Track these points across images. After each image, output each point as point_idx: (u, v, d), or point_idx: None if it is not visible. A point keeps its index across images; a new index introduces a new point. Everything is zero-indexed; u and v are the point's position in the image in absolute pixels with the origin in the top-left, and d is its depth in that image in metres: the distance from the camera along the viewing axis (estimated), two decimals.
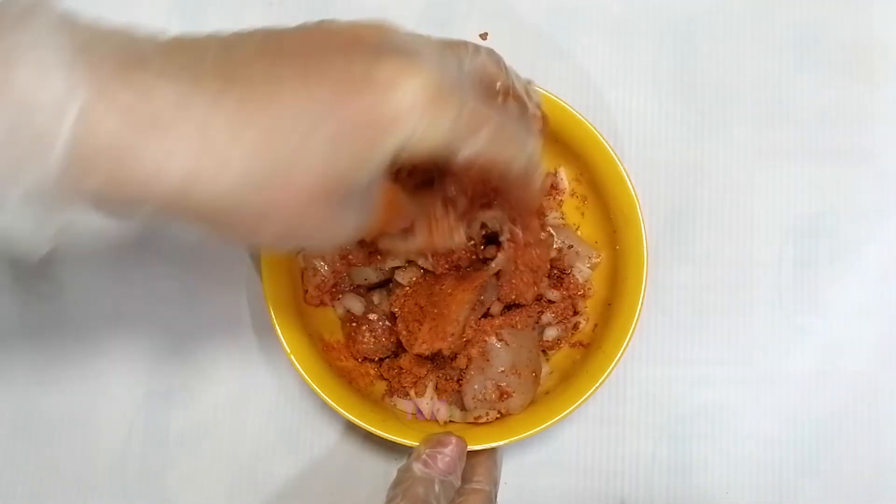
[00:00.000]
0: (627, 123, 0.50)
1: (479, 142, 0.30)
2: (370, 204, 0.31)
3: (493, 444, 0.41)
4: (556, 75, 0.50)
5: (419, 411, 0.44)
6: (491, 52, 0.35)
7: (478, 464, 0.42)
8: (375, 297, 0.46)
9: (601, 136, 0.43)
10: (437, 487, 0.39)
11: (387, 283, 0.46)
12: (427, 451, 0.40)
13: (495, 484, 0.42)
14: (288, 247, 0.32)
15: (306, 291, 0.45)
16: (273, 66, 0.28)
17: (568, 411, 0.41)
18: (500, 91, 0.35)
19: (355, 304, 0.45)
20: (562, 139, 0.45)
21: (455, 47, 0.33)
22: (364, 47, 0.28)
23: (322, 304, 0.46)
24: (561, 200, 0.47)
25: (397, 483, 0.39)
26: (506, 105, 0.35)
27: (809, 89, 0.50)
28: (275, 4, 0.51)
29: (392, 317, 0.44)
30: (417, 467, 0.39)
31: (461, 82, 0.30)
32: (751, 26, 0.51)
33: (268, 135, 0.26)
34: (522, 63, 0.50)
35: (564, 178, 0.47)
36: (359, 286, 0.46)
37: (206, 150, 0.26)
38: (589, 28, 0.51)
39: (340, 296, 0.46)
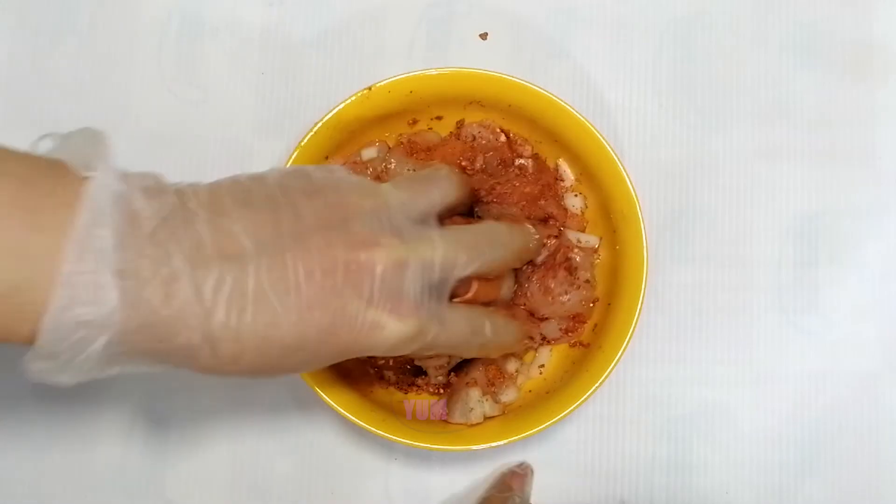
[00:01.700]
0: (627, 123, 0.50)
1: (439, 348, 0.36)
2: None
3: (493, 444, 0.41)
4: (556, 75, 0.50)
5: (419, 411, 0.44)
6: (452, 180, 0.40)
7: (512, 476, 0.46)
8: None
9: (601, 135, 0.43)
10: None
11: None
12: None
13: (527, 495, 0.45)
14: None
15: None
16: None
17: (568, 411, 0.41)
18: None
19: None
20: (562, 139, 0.45)
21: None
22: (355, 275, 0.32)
23: None
24: (566, 190, 0.47)
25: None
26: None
27: (809, 89, 0.50)
28: (275, 5, 0.51)
29: None
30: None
31: (435, 309, 0.35)
32: (751, 26, 0.51)
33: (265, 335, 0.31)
34: (522, 63, 0.50)
35: (567, 169, 0.46)
36: None
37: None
38: (589, 28, 0.51)
39: None
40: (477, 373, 0.44)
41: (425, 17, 0.51)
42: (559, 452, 0.48)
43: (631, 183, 0.43)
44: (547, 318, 0.45)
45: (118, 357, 0.29)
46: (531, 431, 0.41)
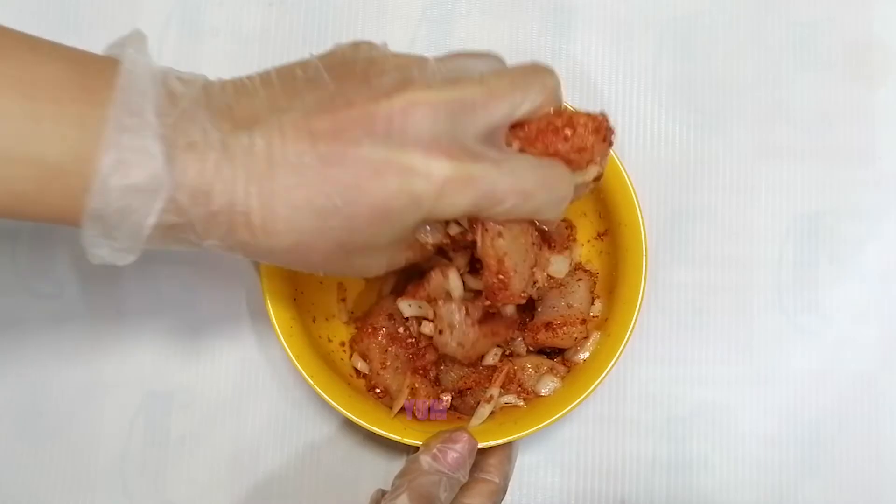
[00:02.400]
0: (627, 123, 0.50)
1: (503, 209, 0.33)
2: (398, 250, 0.35)
3: (493, 443, 0.41)
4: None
5: (418, 411, 0.44)
6: (543, 75, 0.35)
7: (490, 455, 0.42)
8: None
9: None
10: (443, 482, 0.39)
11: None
12: (438, 445, 0.40)
13: (506, 478, 0.42)
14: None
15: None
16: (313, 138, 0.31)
17: (567, 410, 0.41)
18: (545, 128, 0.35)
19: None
20: None
21: (510, 83, 0.33)
22: (385, 123, 0.31)
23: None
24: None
25: (404, 473, 0.39)
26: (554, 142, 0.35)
27: (809, 89, 0.50)
28: (275, 4, 0.51)
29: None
30: (426, 460, 0.39)
31: (485, 152, 0.32)
32: (751, 26, 0.51)
33: (303, 206, 0.31)
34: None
35: None
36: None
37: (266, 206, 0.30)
38: (589, 28, 0.51)
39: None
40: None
41: (425, 17, 0.51)
42: (559, 452, 0.48)
43: (631, 183, 0.43)
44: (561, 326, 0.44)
45: (167, 229, 0.30)
46: (531, 430, 0.41)
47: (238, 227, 0.31)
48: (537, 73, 0.34)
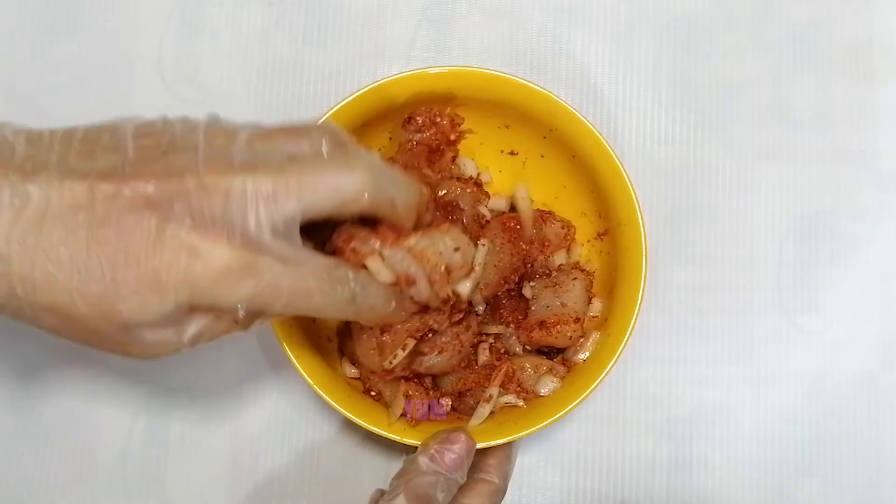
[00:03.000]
0: (627, 123, 0.50)
1: (280, 306, 0.32)
2: (173, 335, 0.32)
3: (493, 443, 0.41)
4: (556, 75, 0.50)
5: (418, 412, 0.44)
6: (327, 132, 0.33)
7: (490, 455, 0.42)
8: None
9: (601, 135, 0.43)
10: (440, 483, 0.38)
11: None
12: (435, 446, 0.40)
13: (505, 478, 0.42)
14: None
15: None
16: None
17: (567, 410, 0.41)
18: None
19: None
20: (562, 139, 0.45)
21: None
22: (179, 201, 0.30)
23: None
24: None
25: (401, 474, 0.39)
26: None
27: (809, 89, 0.50)
28: (275, 4, 0.51)
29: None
30: (423, 461, 0.39)
31: (273, 245, 0.31)
32: (751, 26, 0.51)
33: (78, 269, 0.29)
34: (522, 63, 0.50)
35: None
36: None
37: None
38: (589, 28, 0.51)
39: None
40: None
41: (425, 17, 0.51)
42: (559, 452, 0.48)
43: (631, 183, 0.43)
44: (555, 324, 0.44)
45: None
46: (531, 430, 0.41)
47: None
48: (349, 166, 0.32)
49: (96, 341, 0.31)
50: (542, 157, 0.47)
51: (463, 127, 0.45)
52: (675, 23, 0.51)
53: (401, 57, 0.50)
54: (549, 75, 0.50)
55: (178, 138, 0.31)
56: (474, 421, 0.42)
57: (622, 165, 0.43)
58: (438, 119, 0.44)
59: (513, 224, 0.45)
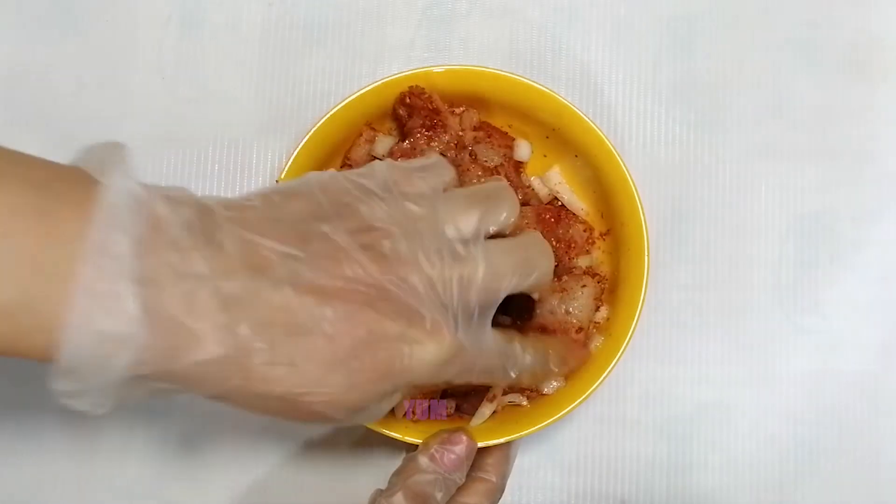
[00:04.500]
0: (627, 123, 0.50)
1: (474, 374, 0.34)
2: (386, 407, 0.34)
3: (493, 442, 0.41)
4: (556, 75, 0.50)
5: (418, 410, 0.44)
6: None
7: (489, 454, 0.42)
8: None
9: (604, 135, 0.43)
10: (439, 483, 0.39)
11: None
12: (436, 445, 0.40)
13: (503, 477, 0.42)
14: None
15: None
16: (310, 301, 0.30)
17: (568, 410, 0.41)
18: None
19: None
20: (565, 138, 0.45)
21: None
22: (393, 306, 0.31)
23: None
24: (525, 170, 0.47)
25: (400, 472, 0.39)
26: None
27: (809, 89, 0.50)
28: (275, 4, 0.51)
29: None
30: (423, 460, 0.39)
31: (474, 329, 0.33)
32: (751, 26, 0.51)
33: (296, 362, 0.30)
34: (523, 62, 0.50)
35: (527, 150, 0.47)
36: None
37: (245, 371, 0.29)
38: (589, 27, 0.51)
39: None
40: None
41: (425, 17, 0.51)
42: (559, 452, 0.48)
43: (633, 183, 0.43)
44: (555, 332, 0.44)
45: (144, 379, 0.28)
46: (531, 430, 0.41)
47: (230, 376, 0.29)
48: (536, 245, 0.37)
49: (316, 420, 0.32)
50: (545, 156, 0.47)
51: (463, 125, 0.45)
52: (675, 23, 0.51)
53: (401, 57, 0.50)
54: (549, 75, 0.50)
55: (369, 210, 0.32)
56: (476, 420, 0.42)
57: (625, 165, 0.43)
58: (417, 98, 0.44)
59: (548, 217, 0.44)
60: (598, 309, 0.45)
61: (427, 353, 0.31)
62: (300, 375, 0.29)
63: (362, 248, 0.31)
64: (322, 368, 0.29)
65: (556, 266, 0.44)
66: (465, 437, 0.40)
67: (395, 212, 0.32)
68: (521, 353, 0.37)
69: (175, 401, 0.48)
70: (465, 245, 0.33)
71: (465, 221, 0.34)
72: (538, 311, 0.44)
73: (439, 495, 0.38)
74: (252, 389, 0.29)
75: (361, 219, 0.31)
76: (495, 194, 0.36)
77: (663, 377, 0.49)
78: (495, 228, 0.35)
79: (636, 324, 0.42)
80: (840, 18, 0.51)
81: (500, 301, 0.34)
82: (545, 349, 0.40)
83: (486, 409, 0.43)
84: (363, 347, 0.30)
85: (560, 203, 0.46)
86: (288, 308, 0.29)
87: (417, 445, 0.41)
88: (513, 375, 0.37)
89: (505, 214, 0.35)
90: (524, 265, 0.35)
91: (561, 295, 0.43)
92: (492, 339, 0.35)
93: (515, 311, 0.44)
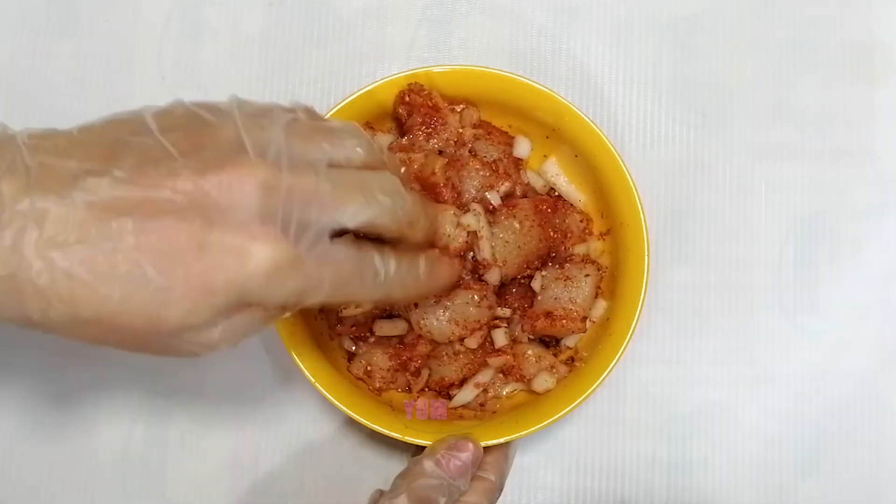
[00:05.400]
0: (627, 123, 0.50)
1: (322, 295, 0.32)
2: (242, 327, 0.32)
3: (493, 442, 0.41)
4: (556, 75, 0.50)
5: (419, 410, 0.44)
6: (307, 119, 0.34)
7: (488, 454, 0.42)
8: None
9: (604, 135, 0.43)
10: (443, 489, 0.39)
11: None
12: (443, 451, 0.40)
13: (502, 476, 0.42)
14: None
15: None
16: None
17: (567, 410, 0.41)
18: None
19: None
20: (565, 138, 0.45)
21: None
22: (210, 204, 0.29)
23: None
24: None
25: (405, 475, 0.39)
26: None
27: (809, 89, 0.50)
28: (275, 4, 0.51)
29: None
30: (429, 465, 0.39)
31: (310, 239, 0.31)
32: (751, 26, 0.51)
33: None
34: (523, 62, 0.50)
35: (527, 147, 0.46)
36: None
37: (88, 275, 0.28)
38: (589, 27, 0.51)
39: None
40: None
41: (425, 17, 0.51)
42: (559, 452, 0.48)
43: (633, 183, 0.43)
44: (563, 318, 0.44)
45: None
46: (531, 430, 0.41)
47: (27, 297, 0.28)
48: (384, 182, 0.34)
49: (141, 347, 0.31)
50: (545, 156, 0.47)
51: (463, 122, 0.45)
52: (675, 23, 0.51)
53: (401, 57, 0.50)
54: (549, 75, 0.50)
55: (205, 127, 0.30)
56: (456, 402, 0.43)
57: (625, 165, 0.43)
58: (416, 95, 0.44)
59: (545, 208, 0.44)
60: (596, 297, 0.45)
61: (255, 260, 0.29)
62: (101, 294, 0.28)
63: (182, 155, 0.29)
64: (126, 285, 0.28)
65: (553, 255, 0.45)
66: (471, 444, 0.40)
67: (228, 128, 0.31)
68: (382, 261, 0.34)
69: (174, 401, 0.48)
70: (298, 159, 0.31)
71: (310, 146, 0.32)
72: (540, 297, 0.44)
73: (442, 500, 0.38)
74: (55, 314, 0.28)
75: (189, 130, 0.30)
76: (345, 128, 0.34)
77: (663, 377, 0.49)
78: (342, 159, 0.33)
79: (636, 324, 0.42)
80: (840, 18, 0.51)
81: (344, 226, 0.32)
82: (412, 255, 0.36)
83: (466, 394, 0.43)
84: (173, 259, 0.28)
85: (557, 194, 0.47)
86: (81, 224, 0.28)
87: (417, 445, 0.41)
88: (375, 285, 0.34)
89: (352, 143, 0.33)
90: (362, 192, 0.32)
91: (565, 283, 0.44)
92: (340, 249, 0.32)
93: (516, 299, 0.44)
